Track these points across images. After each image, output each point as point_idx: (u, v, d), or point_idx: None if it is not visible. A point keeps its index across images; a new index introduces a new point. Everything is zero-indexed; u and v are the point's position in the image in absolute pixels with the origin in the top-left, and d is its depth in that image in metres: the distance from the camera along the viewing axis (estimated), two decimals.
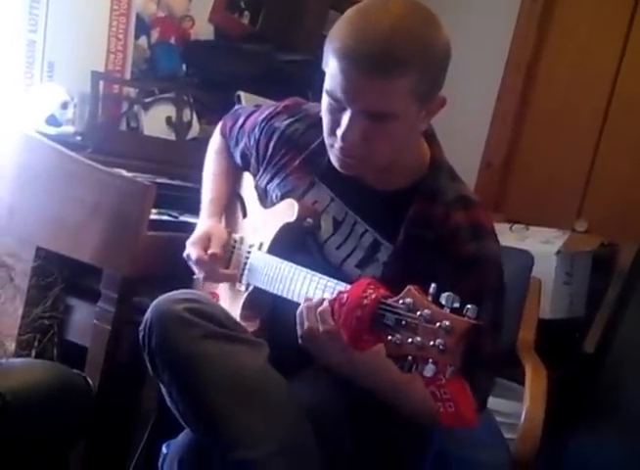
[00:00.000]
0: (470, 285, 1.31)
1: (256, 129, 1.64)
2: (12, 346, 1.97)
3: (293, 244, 1.49)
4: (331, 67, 1.28)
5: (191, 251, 1.57)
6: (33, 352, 1.99)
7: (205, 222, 1.65)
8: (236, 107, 1.86)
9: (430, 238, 1.38)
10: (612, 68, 3.02)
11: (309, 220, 1.48)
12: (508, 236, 2.73)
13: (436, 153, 1.47)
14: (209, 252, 1.55)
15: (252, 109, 1.75)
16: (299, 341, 1.28)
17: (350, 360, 1.26)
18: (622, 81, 3.01)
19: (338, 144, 1.33)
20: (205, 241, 1.57)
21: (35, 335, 1.97)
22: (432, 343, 1.06)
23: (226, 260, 1.61)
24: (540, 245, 2.68)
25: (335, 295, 1.24)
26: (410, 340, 1.08)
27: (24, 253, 1.94)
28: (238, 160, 1.74)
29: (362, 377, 1.30)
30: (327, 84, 1.30)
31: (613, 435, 2.46)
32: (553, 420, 2.02)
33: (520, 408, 2.02)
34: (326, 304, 1.25)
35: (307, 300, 1.29)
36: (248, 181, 1.70)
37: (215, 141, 1.84)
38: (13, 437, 1.57)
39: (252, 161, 1.66)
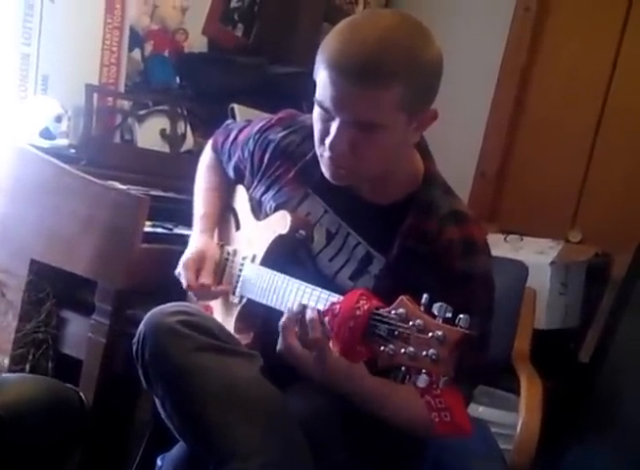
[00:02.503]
0: (459, 300, 1.29)
1: (250, 142, 1.63)
2: (5, 361, 1.96)
3: (285, 256, 1.49)
4: (320, 77, 1.29)
5: (183, 273, 1.56)
6: (27, 367, 1.98)
7: (197, 238, 1.64)
8: (227, 122, 1.86)
9: (422, 252, 1.38)
10: (604, 77, 3.04)
11: (302, 232, 1.47)
12: (502, 247, 2.73)
13: (430, 166, 1.47)
14: (200, 281, 1.54)
15: (244, 123, 1.75)
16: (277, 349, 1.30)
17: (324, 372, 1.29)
18: (615, 90, 3.02)
19: (327, 153, 1.34)
20: (199, 262, 1.56)
21: (29, 349, 1.96)
22: (424, 353, 1.06)
23: (219, 273, 1.61)
24: (535, 255, 2.68)
25: (327, 306, 1.24)
26: (403, 350, 1.08)
27: (17, 268, 1.94)
28: (231, 174, 1.74)
29: (336, 386, 1.31)
30: (317, 94, 1.32)
31: (608, 445, 2.45)
32: (549, 430, 2.01)
33: (515, 419, 2.01)
34: (315, 313, 1.26)
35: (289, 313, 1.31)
36: (241, 194, 1.70)
37: (207, 157, 1.83)
38: (6, 452, 1.57)
39: (247, 173, 1.66)
